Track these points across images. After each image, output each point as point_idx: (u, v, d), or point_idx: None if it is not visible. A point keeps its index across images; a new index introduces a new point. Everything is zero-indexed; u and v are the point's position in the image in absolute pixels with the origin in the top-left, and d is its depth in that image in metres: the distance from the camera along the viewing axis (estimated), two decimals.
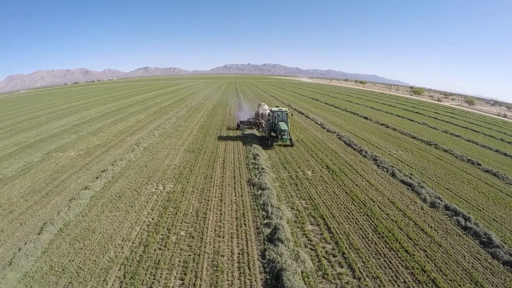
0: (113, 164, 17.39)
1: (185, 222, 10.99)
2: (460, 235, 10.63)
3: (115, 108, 47.23)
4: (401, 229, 10.80)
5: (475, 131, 31.75)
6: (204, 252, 9.21)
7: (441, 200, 13.11)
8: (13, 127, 33.50)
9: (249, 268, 8.53)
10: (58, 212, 11.76)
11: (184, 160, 18.35)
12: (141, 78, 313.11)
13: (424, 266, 8.78)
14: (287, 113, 22.74)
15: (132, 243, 9.69)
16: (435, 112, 46.25)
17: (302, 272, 8.28)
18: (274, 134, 21.85)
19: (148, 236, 10.06)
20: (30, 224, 11.10)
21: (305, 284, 7.89)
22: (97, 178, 15.45)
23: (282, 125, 21.31)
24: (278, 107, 24.93)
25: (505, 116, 50.59)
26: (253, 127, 27.29)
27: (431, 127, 32.12)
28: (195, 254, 9.08)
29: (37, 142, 24.97)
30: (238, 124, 27.56)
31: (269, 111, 23.58)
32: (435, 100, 74.03)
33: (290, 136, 21.59)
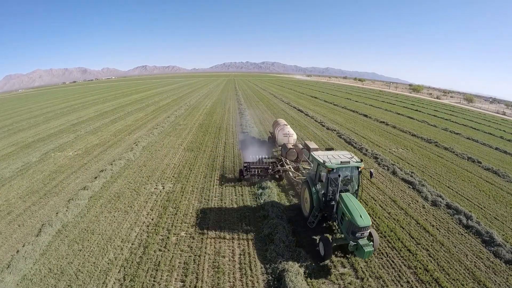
0: (111, 164, 17.23)
1: (185, 223, 10.88)
2: (462, 234, 10.59)
3: (114, 107, 46.94)
4: (403, 228, 10.74)
5: (474, 129, 31.71)
6: (205, 253, 9.11)
7: (443, 199, 13.05)
8: (11, 127, 33.24)
9: (250, 269, 8.43)
10: (57, 213, 11.63)
11: (183, 159, 18.21)
12: (140, 77, 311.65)
13: (427, 266, 8.72)
14: (359, 171, 9.69)
15: (132, 244, 9.58)
16: (434, 110, 46.17)
17: (304, 272, 8.20)
18: (335, 221, 9.83)
19: (147, 237, 9.95)
20: (28, 225, 10.97)
21: (308, 284, 7.81)
22: (95, 178, 15.30)
23: (355, 209, 8.54)
24: (333, 149, 12.04)
25: (504, 113, 50.58)
26: (269, 175, 14.82)
27: (431, 125, 32.08)
28: (195, 255, 8.98)
29: (35, 142, 24.76)
30: (241, 170, 14.85)
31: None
32: (434, 98, 73.96)
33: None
